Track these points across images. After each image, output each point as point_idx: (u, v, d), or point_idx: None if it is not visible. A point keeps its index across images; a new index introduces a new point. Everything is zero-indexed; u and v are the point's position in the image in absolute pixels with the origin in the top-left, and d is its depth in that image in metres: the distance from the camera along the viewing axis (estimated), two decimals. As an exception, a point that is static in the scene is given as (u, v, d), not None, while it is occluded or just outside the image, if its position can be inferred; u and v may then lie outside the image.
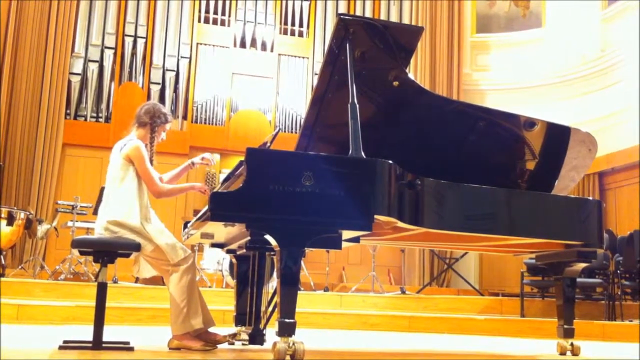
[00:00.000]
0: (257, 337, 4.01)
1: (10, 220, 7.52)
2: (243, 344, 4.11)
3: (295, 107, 11.01)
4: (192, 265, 3.75)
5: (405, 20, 11.60)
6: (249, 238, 3.57)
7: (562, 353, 4.25)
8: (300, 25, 11.44)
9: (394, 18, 11.65)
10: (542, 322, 6.64)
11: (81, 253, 3.72)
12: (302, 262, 7.73)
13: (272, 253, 3.98)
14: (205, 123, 10.63)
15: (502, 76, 11.40)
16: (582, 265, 4.17)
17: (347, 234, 3.36)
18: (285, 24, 11.43)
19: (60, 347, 3.41)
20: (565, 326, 4.23)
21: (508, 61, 11.46)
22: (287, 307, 3.13)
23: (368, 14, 11.49)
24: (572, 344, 4.24)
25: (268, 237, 3.17)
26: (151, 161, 3.89)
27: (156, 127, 3.98)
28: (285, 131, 10.74)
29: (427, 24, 11.46)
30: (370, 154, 3.30)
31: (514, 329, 6.65)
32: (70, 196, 8.47)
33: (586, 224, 3.96)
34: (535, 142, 4.22)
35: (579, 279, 4.36)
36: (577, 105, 10.37)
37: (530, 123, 4.20)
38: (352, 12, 11.51)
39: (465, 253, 9.22)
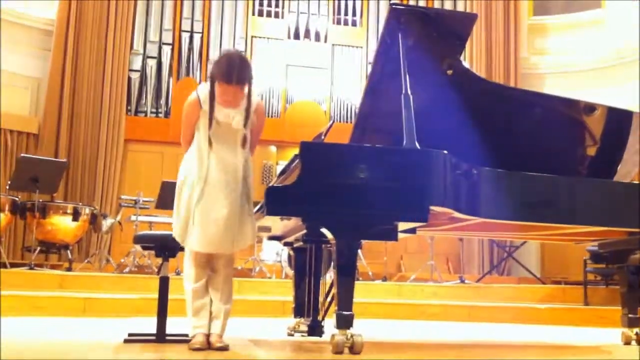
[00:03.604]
0: (315, 329, 4.05)
1: (76, 215, 7.76)
2: (302, 336, 4.15)
3: (350, 97, 10.99)
4: None
5: (460, 6, 11.43)
6: (305, 231, 3.60)
7: (627, 343, 4.15)
8: (354, 14, 11.40)
9: (448, 3, 11.50)
10: (606, 310, 6.48)
11: (144, 248, 3.82)
12: (360, 252, 7.81)
13: (328, 245, 4.00)
14: (261, 115, 10.69)
15: (560, 59, 11.11)
16: (646, 253, 4.07)
17: (402, 226, 3.35)
18: (339, 14, 11.39)
19: (125, 341, 3.52)
20: (629, 315, 4.14)
21: (567, 44, 11.16)
22: (345, 300, 3.15)
23: (422, 1, 11.38)
24: (636, 333, 4.14)
25: (324, 230, 3.20)
26: (210, 122, 3.31)
27: (214, 80, 3.30)
28: (340, 121, 10.73)
29: (482, 8, 11.26)
30: (425, 144, 3.28)
31: (577, 317, 6.52)
32: (133, 191, 8.68)
33: (649, 211, 3.85)
34: (596, 127, 4.12)
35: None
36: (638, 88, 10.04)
37: (590, 108, 4.11)
38: (405, 1, 11.42)
39: (525, 241, 9.07)
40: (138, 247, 6.68)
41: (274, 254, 8.20)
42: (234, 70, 3.24)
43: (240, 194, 3.34)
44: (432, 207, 3.20)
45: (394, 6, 3.55)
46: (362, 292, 6.85)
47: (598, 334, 5.33)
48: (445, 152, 3.24)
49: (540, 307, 6.83)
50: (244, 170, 3.39)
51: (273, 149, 10.85)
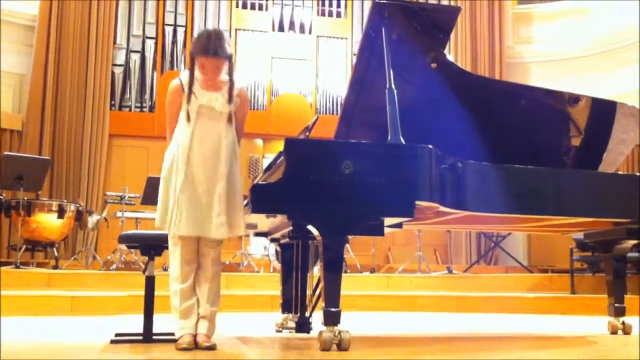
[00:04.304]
0: (303, 325, 4.03)
1: (61, 213, 7.70)
2: (290, 332, 4.13)
3: (336, 88, 10.95)
4: None
5: (444, -4, 11.43)
6: (291, 227, 3.58)
7: (614, 332, 4.19)
8: (338, 6, 11.34)
9: (433, -6, 11.49)
10: (593, 298, 6.53)
11: (129, 247, 3.79)
12: (348, 244, 7.80)
13: (315, 241, 3.99)
14: (247, 108, 10.63)
15: (545, 48, 11.13)
16: (632, 242, 4.09)
17: (389, 221, 3.35)
18: (323, 5, 11.33)
19: (112, 341, 3.49)
20: (616, 304, 4.17)
21: (552, 32, 11.19)
22: (332, 296, 3.14)
23: (406, -9, 11.35)
24: (623, 323, 4.18)
25: (310, 227, 3.18)
26: (189, 97, 3.32)
27: (194, 57, 3.34)
28: (326, 113, 10.71)
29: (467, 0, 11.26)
30: (410, 138, 3.27)
31: (564, 306, 6.56)
32: (119, 187, 8.62)
33: (634, 201, 3.86)
34: (580, 118, 4.13)
35: (629, 254, 4.30)
36: (622, 75, 10.08)
37: (575, 99, 4.11)
38: (389, -10, 11.38)
39: (512, 231, 9.12)
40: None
41: (262, 247, 8.18)
42: (211, 43, 3.26)
43: (226, 178, 3.30)
44: (418, 202, 3.19)
45: (377, 0, 3.53)
46: (351, 284, 6.86)
47: (585, 323, 5.37)
48: (431, 146, 3.23)
49: (527, 296, 6.87)
50: (229, 152, 3.34)
51: (259, 142, 10.82)
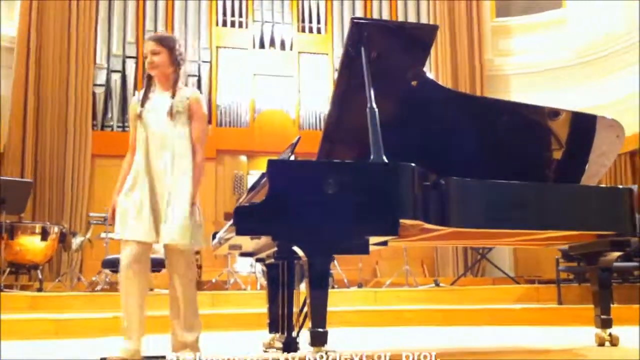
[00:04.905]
0: (290, 345, 4.00)
1: (45, 235, 7.64)
2: (277, 351, 4.11)
3: (318, 104, 10.98)
4: None
5: (423, 10, 11.51)
6: (276, 248, 3.57)
7: (601, 344, 4.19)
8: (318, 22, 11.40)
9: (411, 9, 11.56)
10: (580, 309, 6.54)
11: (113, 272, 3.77)
12: (335, 259, 7.78)
13: (300, 261, 3.98)
14: (230, 126, 10.65)
15: (524, 60, 11.24)
16: (617, 254, 4.11)
17: (374, 239, 3.34)
18: (303, 21, 11.39)
19: (98, 366, 3.46)
20: (602, 316, 4.17)
21: (531, 44, 11.30)
22: (318, 316, 3.12)
23: (385, 6, 11.44)
24: (610, 334, 4.18)
25: (295, 247, 3.17)
26: (144, 100, 3.65)
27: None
28: (309, 128, 10.73)
29: (446, 13, 11.34)
30: (392, 156, 3.28)
31: (551, 317, 6.56)
32: (102, 207, 8.54)
33: (617, 213, 3.89)
34: (561, 132, 4.16)
35: (615, 264, 4.32)
36: (602, 85, 10.19)
37: (554, 113, 4.14)
38: (368, 5, 11.46)
39: (498, 242, 9.15)
40: (109, 267, 6.57)
41: (248, 265, 8.15)
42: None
43: (173, 183, 3.39)
44: (402, 220, 3.19)
45: (355, 20, 3.54)
46: (338, 299, 6.82)
47: (572, 334, 5.37)
48: (413, 164, 3.24)
49: (514, 308, 6.87)
50: (176, 157, 3.44)
51: (244, 159, 10.81)
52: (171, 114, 3.48)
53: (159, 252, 3.46)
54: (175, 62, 3.56)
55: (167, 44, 3.53)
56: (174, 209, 3.37)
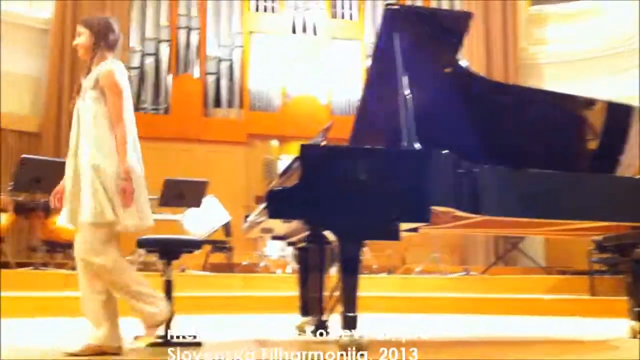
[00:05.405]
0: (321, 328, 4.05)
1: (81, 215, 7.73)
2: (310, 334, 4.15)
3: (350, 90, 10.95)
4: None
5: (457, -1, 11.40)
6: (307, 232, 3.59)
7: (634, 336, 4.14)
8: (351, 7, 11.36)
9: (446, -1, 11.46)
10: (612, 301, 6.46)
11: (147, 251, 3.83)
12: (366, 245, 7.76)
13: (331, 245, 4.00)
14: (261, 110, 10.71)
15: (559, 49, 11.07)
16: (651, 245, 4.06)
17: (405, 226, 3.34)
18: (335, 7, 11.35)
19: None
20: (636, 309, 4.13)
21: (565, 33, 11.12)
22: (349, 301, 3.15)
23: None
24: (644, 327, 4.13)
25: (326, 232, 3.19)
26: (78, 90, 3.56)
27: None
28: (340, 114, 10.71)
29: (481, 1, 11.21)
30: (426, 143, 3.27)
31: (583, 308, 6.49)
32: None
33: (652, 204, 3.83)
34: (597, 122, 4.10)
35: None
36: (637, 76, 9.99)
37: (590, 102, 4.09)
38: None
39: (529, 232, 9.06)
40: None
41: (279, 249, 8.19)
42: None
43: (81, 164, 3.29)
44: (433, 207, 3.19)
45: (388, 6, 3.53)
46: (368, 285, 6.73)
47: (605, 326, 5.31)
48: (446, 151, 3.23)
49: (545, 298, 6.83)
50: (81, 136, 3.33)
51: (275, 143, 10.83)
52: (78, 91, 3.43)
53: (192, 234, 3.50)
54: (97, 42, 3.43)
55: (88, 24, 3.43)
56: (80, 191, 3.29)
